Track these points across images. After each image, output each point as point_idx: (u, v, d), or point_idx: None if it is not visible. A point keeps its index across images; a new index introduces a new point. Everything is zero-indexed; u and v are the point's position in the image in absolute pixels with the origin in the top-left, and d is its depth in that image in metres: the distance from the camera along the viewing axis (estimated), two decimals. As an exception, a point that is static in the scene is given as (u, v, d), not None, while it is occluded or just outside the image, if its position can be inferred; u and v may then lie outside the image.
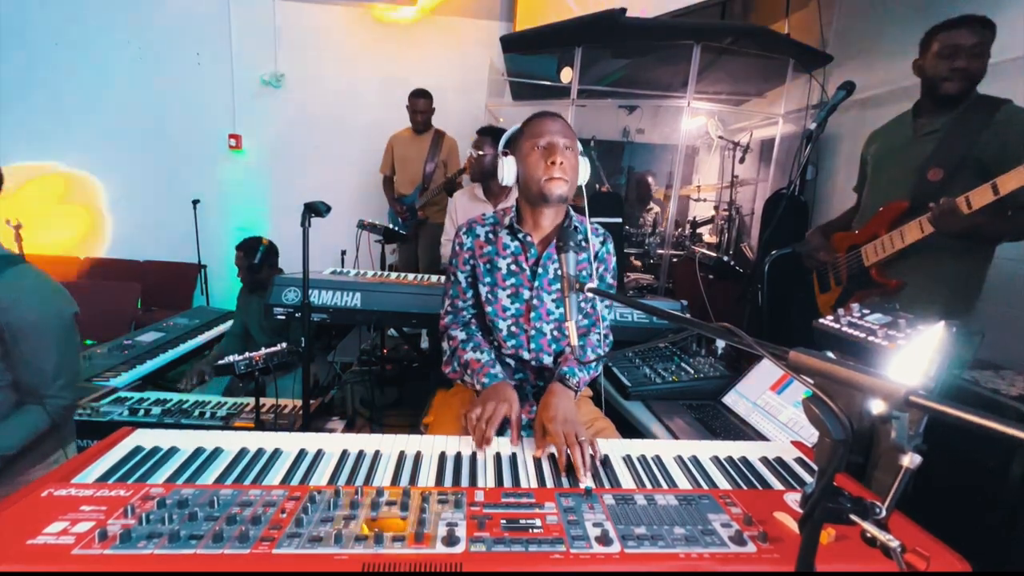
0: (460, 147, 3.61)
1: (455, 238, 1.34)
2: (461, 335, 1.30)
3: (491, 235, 1.31)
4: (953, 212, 1.41)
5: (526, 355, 1.30)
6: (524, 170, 1.23)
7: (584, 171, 1.26)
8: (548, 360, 1.32)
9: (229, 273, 4.52)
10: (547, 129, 1.21)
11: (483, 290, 1.30)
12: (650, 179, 4.50)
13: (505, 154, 1.26)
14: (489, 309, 1.30)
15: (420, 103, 3.47)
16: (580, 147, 1.27)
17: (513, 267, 1.28)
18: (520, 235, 1.27)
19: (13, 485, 1.27)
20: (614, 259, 1.36)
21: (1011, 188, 1.30)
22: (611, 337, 1.41)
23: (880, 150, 1.79)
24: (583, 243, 1.28)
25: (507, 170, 1.24)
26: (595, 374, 1.31)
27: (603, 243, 1.34)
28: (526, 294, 1.28)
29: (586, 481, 0.88)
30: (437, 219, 3.43)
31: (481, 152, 2.32)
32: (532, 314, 1.28)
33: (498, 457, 0.95)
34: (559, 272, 0.95)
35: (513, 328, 1.30)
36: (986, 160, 1.49)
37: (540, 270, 1.27)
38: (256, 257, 2.50)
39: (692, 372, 1.59)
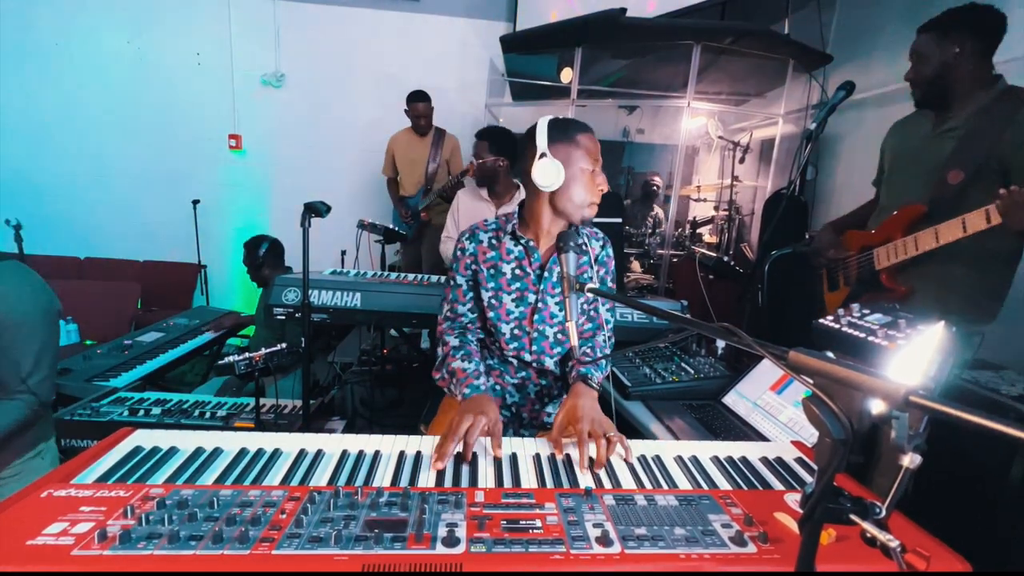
0: (461, 147, 3.57)
1: (457, 243, 1.34)
2: (454, 342, 1.29)
3: (494, 240, 1.30)
4: None
5: (528, 357, 1.31)
6: (569, 184, 1.17)
7: None
8: (550, 362, 1.32)
9: (229, 273, 4.56)
10: (598, 150, 1.19)
11: (485, 295, 1.30)
12: (656, 179, 4.46)
13: (543, 155, 1.14)
14: (491, 314, 1.30)
15: (420, 107, 3.32)
16: None
17: (518, 271, 1.28)
18: (523, 241, 1.27)
19: None
20: (613, 262, 1.37)
21: None
22: (613, 339, 1.41)
23: (898, 146, 1.71)
24: (583, 247, 1.28)
25: (553, 173, 1.13)
26: (606, 373, 1.31)
27: (603, 247, 1.34)
28: (531, 297, 1.28)
29: (586, 480, 0.88)
30: (440, 220, 3.32)
31: (482, 159, 2.25)
32: (535, 317, 1.28)
33: (497, 457, 0.95)
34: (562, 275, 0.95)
35: (516, 331, 1.30)
36: (1007, 161, 1.38)
37: (545, 274, 1.27)
38: (258, 254, 2.51)
39: (692, 372, 1.59)
